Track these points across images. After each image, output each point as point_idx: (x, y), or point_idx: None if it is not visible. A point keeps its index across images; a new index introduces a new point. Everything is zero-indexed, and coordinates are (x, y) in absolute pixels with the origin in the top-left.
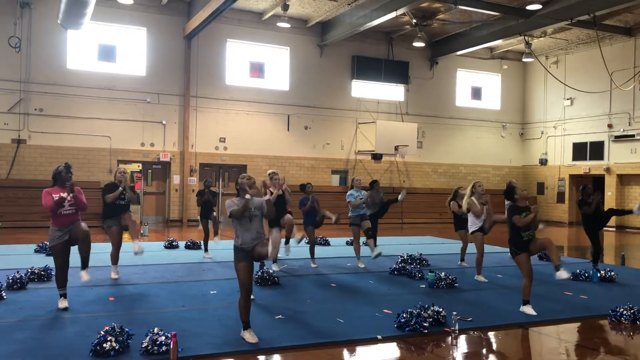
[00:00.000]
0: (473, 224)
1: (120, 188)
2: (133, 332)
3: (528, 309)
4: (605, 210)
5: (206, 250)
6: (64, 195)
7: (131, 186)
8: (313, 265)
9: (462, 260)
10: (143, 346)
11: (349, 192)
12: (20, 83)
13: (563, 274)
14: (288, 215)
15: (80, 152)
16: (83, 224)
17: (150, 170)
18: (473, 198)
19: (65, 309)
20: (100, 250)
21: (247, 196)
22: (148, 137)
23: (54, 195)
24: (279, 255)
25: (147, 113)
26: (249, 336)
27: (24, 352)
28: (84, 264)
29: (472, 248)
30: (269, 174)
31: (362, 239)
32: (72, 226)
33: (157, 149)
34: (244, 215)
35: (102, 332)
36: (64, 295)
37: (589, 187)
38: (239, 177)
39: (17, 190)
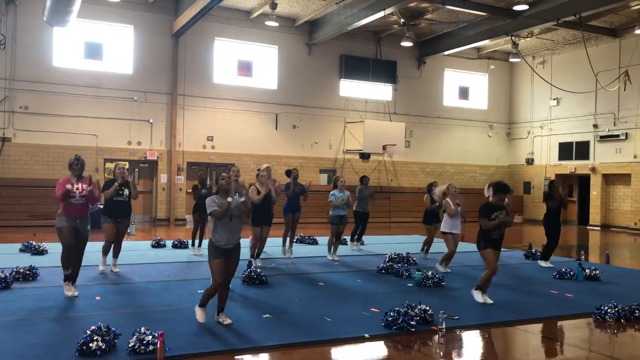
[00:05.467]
0: (445, 225)
1: (116, 183)
2: (120, 331)
3: (477, 294)
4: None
5: (193, 244)
6: (76, 186)
7: (134, 183)
8: (287, 255)
9: (423, 251)
10: (130, 346)
11: (331, 192)
12: (5, 81)
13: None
14: (259, 232)
15: (66, 150)
16: (88, 227)
17: (137, 169)
18: (448, 199)
19: (73, 296)
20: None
21: (229, 199)
22: (135, 135)
23: (67, 186)
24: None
25: (134, 111)
26: (200, 314)
27: (9, 352)
28: (73, 278)
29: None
30: (258, 171)
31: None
32: (79, 221)
33: (144, 147)
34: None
35: (89, 332)
36: (68, 278)
37: (555, 183)
38: (219, 177)
39: (2, 189)
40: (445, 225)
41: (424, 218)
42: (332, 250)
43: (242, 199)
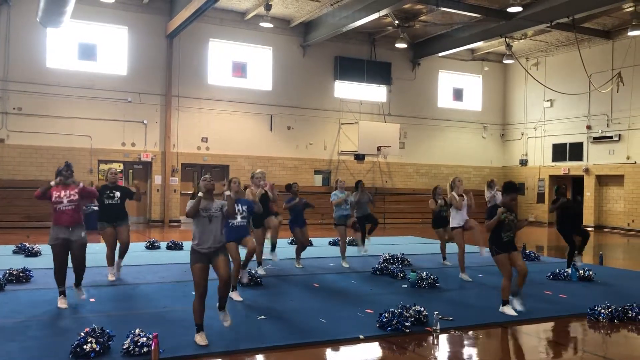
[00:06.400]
0: (454, 220)
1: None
2: (114, 333)
3: (508, 310)
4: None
5: None
6: (64, 193)
7: (129, 188)
8: (298, 266)
9: (445, 259)
10: (124, 347)
11: (333, 193)
12: None
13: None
14: (273, 219)
15: (60, 152)
16: (83, 234)
17: (131, 171)
18: (453, 193)
19: (65, 308)
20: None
21: (200, 194)
22: (129, 136)
23: (53, 193)
24: (263, 256)
25: (128, 113)
26: (200, 339)
27: (3, 355)
28: (78, 281)
29: (453, 247)
30: (253, 174)
31: (349, 238)
32: (72, 229)
33: (138, 148)
34: (201, 216)
35: (83, 334)
36: (62, 293)
37: (562, 187)
38: (202, 179)
39: None
40: (454, 220)
41: (433, 222)
42: (344, 256)
43: (226, 201)
